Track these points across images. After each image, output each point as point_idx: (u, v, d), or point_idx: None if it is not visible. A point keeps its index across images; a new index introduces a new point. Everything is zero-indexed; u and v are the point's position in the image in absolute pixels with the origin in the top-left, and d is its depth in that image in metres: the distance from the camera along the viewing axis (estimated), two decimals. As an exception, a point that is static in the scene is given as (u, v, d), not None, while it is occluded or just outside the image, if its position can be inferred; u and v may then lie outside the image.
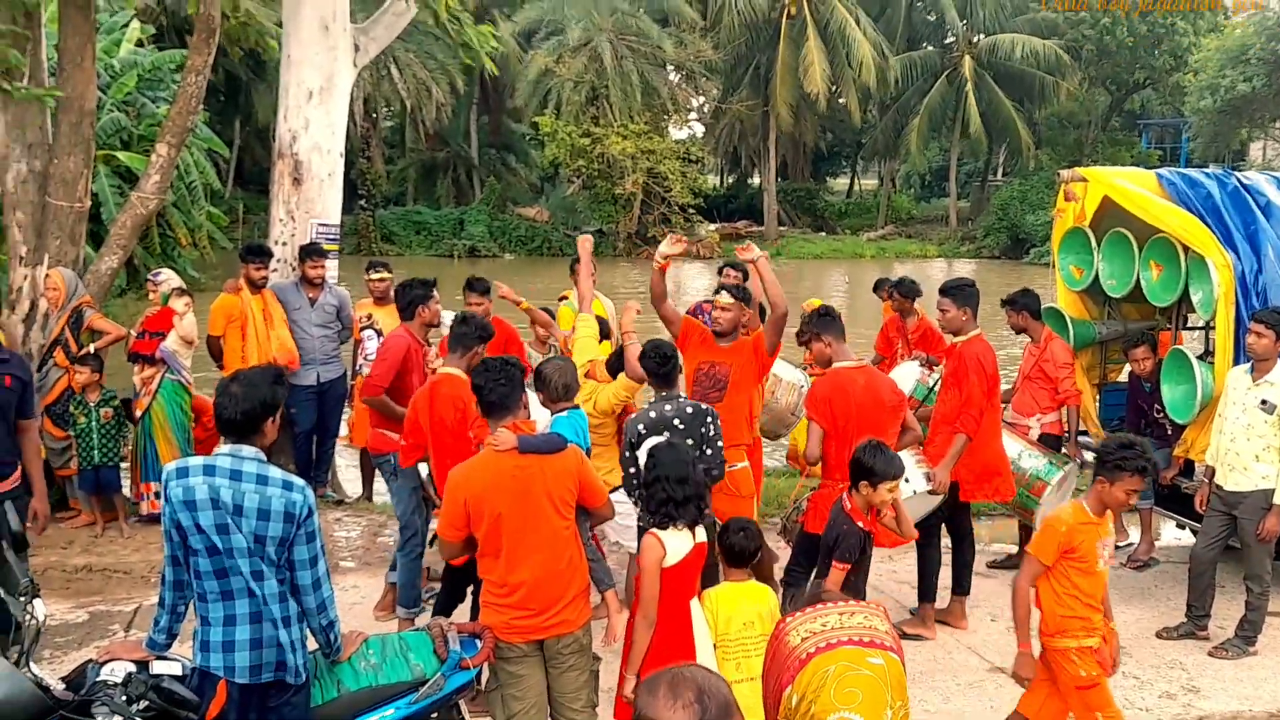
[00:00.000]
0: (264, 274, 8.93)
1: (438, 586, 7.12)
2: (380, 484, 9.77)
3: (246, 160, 44.09)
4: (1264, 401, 6.64)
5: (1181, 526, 8.63)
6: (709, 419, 5.95)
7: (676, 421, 5.87)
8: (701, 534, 4.91)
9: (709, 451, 5.92)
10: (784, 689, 3.44)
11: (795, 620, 3.58)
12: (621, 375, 6.73)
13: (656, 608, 4.70)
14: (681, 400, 5.98)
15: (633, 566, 6.48)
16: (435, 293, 7.16)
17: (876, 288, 10.39)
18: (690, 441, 5.82)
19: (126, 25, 22.11)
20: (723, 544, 5.05)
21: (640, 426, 5.88)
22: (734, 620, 4.91)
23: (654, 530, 4.78)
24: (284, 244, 9.56)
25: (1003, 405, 8.17)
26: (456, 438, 5.94)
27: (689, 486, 4.81)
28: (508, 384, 4.72)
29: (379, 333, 8.91)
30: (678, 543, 4.76)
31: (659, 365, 6.04)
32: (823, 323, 6.29)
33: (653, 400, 6.06)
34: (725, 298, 6.77)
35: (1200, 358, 7.87)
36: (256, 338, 8.76)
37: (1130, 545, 8.42)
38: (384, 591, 7.24)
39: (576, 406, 5.79)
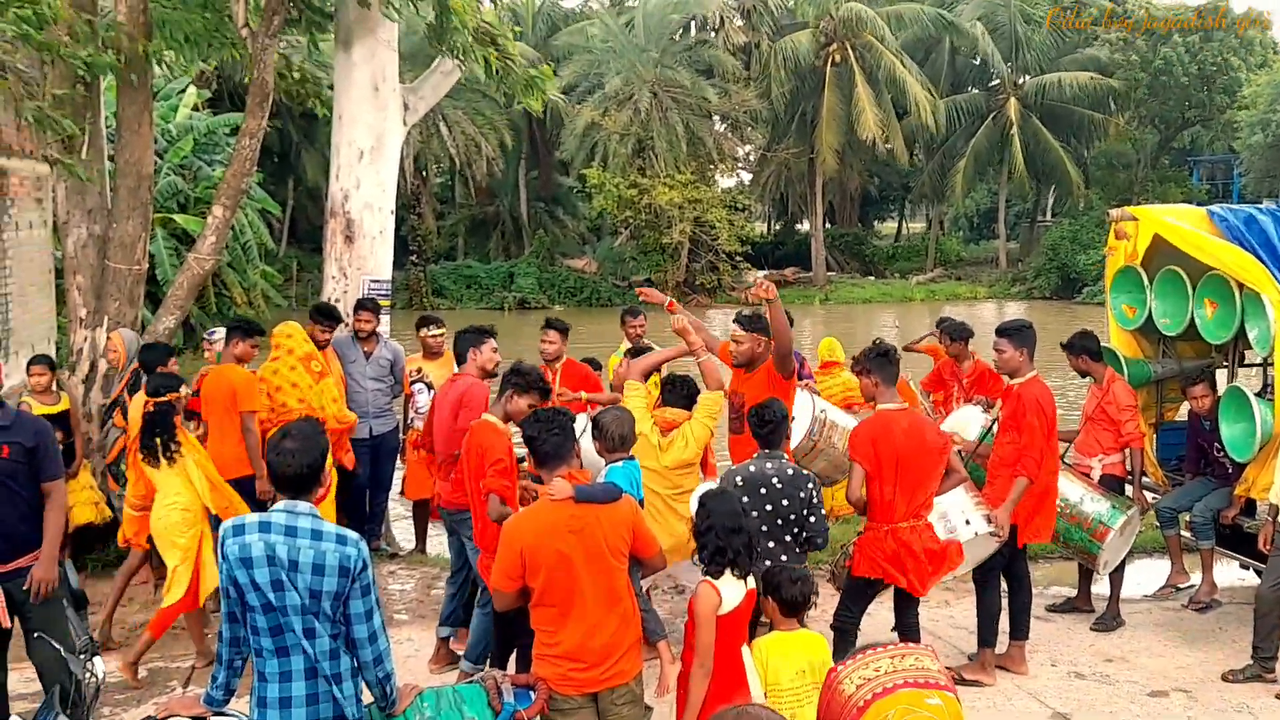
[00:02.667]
0: (328, 336, 8.98)
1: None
2: (434, 537, 9.84)
3: (300, 219, 44.78)
4: (1327, 437, 6.54)
5: (1245, 567, 8.45)
6: (810, 485, 5.93)
7: (775, 481, 5.87)
8: (753, 582, 4.90)
9: (811, 519, 5.90)
10: None
11: (847, 668, 3.57)
12: (701, 398, 6.66)
13: (713, 656, 4.68)
14: (784, 461, 5.97)
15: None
16: (490, 339, 7.17)
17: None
18: (787, 503, 5.82)
19: (183, 91, 22.64)
20: (778, 593, 5.02)
21: (738, 479, 5.88)
22: (784, 669, 4.87)
23: (708, 578, 4.77)
24: (337, 301, 9.68)
25: (1064, 446, 8.12)
26: (478, 485, 5.98)
27: (742, 535, 4.80)
28: (560, 433, 4.75)
29: (430, 386, 8.98)
30: (732, 591, 4.75)
31: (759, 426, 6.02)
32: (876, 362, 6.27)
33: (755, 456, 6.04)
34: (738, 330, 6.89)
35: (1258, 394, 7.75)
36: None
37: (1191, 587, 8.26)
38: (436, 645, 7.24)
39: (632, 457, 5.80)
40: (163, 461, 7.10)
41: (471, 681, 4.73)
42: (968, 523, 6.66)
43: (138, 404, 7.43)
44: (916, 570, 6.10)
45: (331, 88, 10.32)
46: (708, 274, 42.42)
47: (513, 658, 6.12)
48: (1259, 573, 7.75)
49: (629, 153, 40.90)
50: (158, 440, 7.09)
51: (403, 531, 10.37)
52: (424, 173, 42.32)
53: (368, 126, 9.72)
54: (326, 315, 9.06)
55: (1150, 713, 6.65)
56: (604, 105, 41.18)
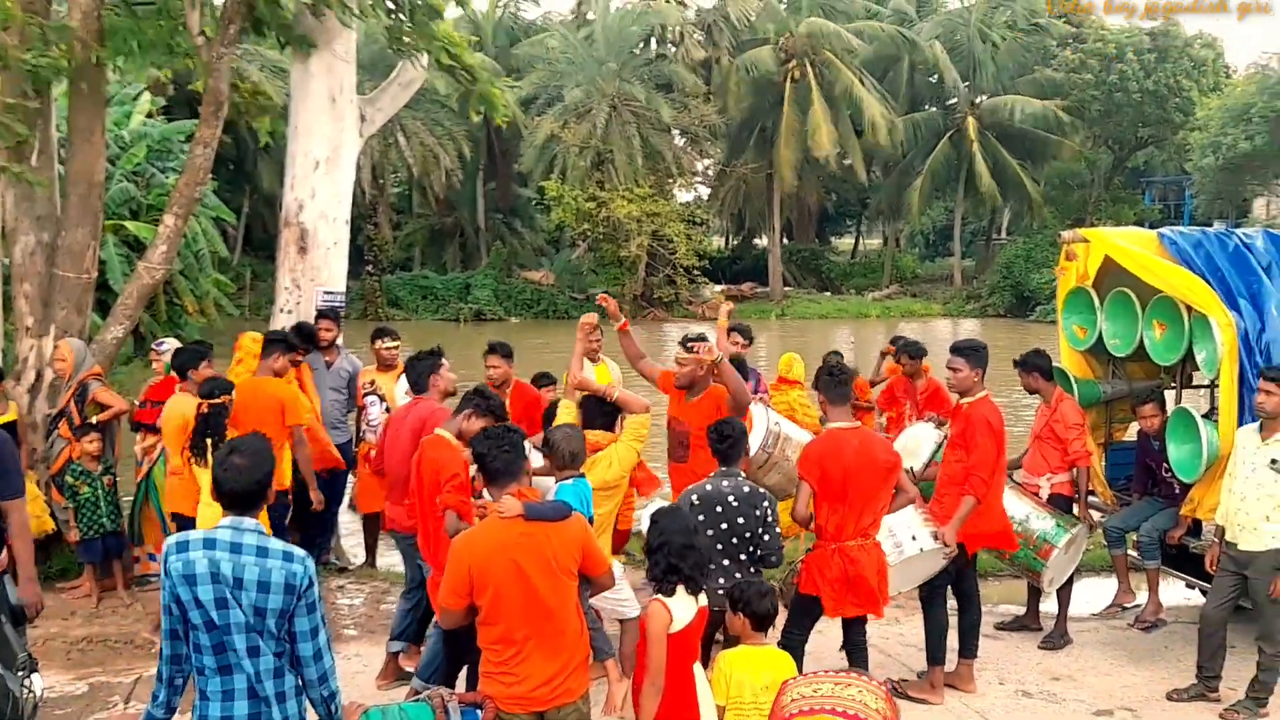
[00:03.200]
0: (301, 357, 8.67)
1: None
2: (384, 551, 9.76)
3: (255, 227, 44.45)
4: (1274, 461, 6.60)
5: (1191, 586, 8.54)
6: (766, 503, 5.94)
7: (731, 499, 5.88)
8: (704, 599, 4.90)
9: (766, 536, 5.91)
10: None
11: (795, 682, 3.60)
12: (628, 421, 6.56)
13: (664, 674, 4.67)
14: (740, 479, 5.98)
15: (627, 633, 6.46)
16: (444, 360, 7.14)
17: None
18: (743, 521, 5.83)
19: (138, 97, 22.41)
20: (748, 608, 5.04)
21: (693, 498, 5.89)
22: (748, 684, 4.88)
23: (659, 597, 4.76)
24: (290, 312, 9.59)
25: (1015, 466, 8.18)
26: (433, 502, 5.93)
27: (694, 553, 4.81)
28: (511, 451, 4.73)
29: (382, 398, 8.94)
30: (682, 609, 4.74)
31: (719, 441, 6.03)
32: (825, 381, 6.30)
33: (713, 474, 6.05)
34: (681, 353, 6.95)
35: (1205, 416, 7.84)
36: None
37: (1138, 606, 8.34)
38: (385, 661, 7.17)
39: (582, 475, 5.78)
40: (210, 462, 7.12)
41: (418, 699, 4.69)
42: (914, 538, 6.68)
43: (182, 404, 7.64)
44: (854, 588, 6.11)
45: (288, 95, 10.24)
46: (665, 288, 42.52)
47: (462, 675, 6.07)
48: (1204, 593, 7.83)
49: (588, 165, 40.98)
50: (208, 441, 7.22)
51: (353, 545, 10.28)
52: (381, 182, 42.16)
53: (324, 137, 9.65)
54: (307, 338, 8.87)
55: (1096, 731, 6.70)
56: (563, 118, 41.25)
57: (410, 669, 6.96)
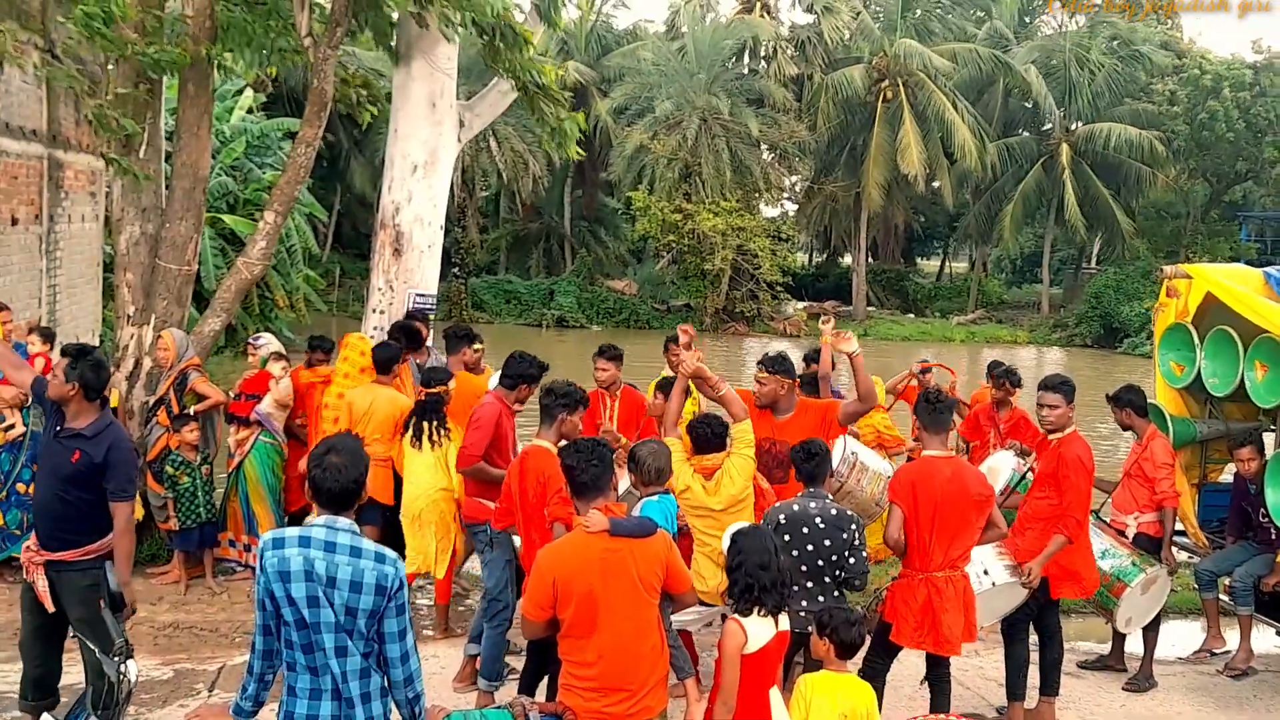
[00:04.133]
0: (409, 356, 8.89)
1: (514, 662, 7.13)
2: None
3: (345, 225, 45.16)
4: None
5: (1282, 635, 8.35)
6: (854, 525, 5.91)
7: (818, 520, 5.85)
8: (785, 622, 4.86)
9: (852, 560, 5.88)
10: None
11: None
12: (733, 431, 6.52)
13: (736, 695, 4.64)
14: (827, 501, 5.95)
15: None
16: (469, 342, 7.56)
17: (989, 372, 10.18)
18: (829, 543, 5.80)
19: (239, 93, 22.88)
20: (834, 635, 5.02)
21: (780, 517, 5.87)
22: (827, 711, 4.85)
23: (735, 616, 4.74)
24: (382, 313, 9.73)
25: (1102, 497, 8.03)
26: (538, 512, 5.98)
27: (770, 573, 4.77)
28: (599, 465, 4.74)
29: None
30: (759, 629, 4.71)
31: (805, 460, 6.01)
32: (923, 409, 6.23)
33: (800, 494, 6.03)
34: (761, 372, 6.96)
35: (1305, 461, 7.65)
36: None
37: (1228, 652, 8.13)
38: (463, 663, 7.22)
39: (668, 491, 5.78)
40: (425, 445, 7.69)
41: (500, 707, 4.73)
42: (986, 573, 6.58)
43: (391, 397, 8.16)
44: (942, 625, 6.01)
45: (389, 95, 10.38)
46: (747, 302, 42.34)
47: (543, 684, 6.09)
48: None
49: (675, 177, 40.97)
50: (427, 425, 7.70)
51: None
52: (471, 186, 42.54)
53: (422, 141, 9.78)
54: (412, 337, 8.98)
55: (1179, 779, 6.55)
56: (653, 129, 41.29)
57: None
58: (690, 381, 6.70)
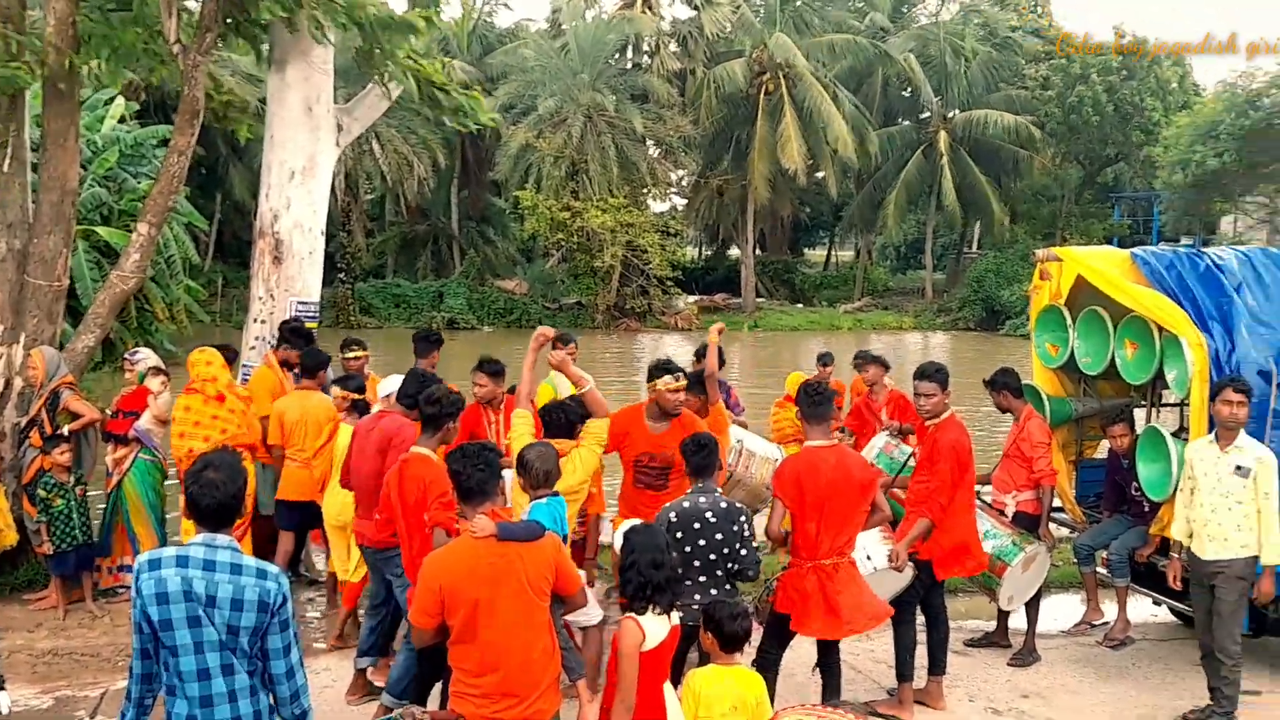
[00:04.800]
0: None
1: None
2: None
3: (226, 233, 44.22)
4: (1238, 467, 6.67)
5: (1157, 603, 8.61)
6: (742, 517, 5.95)
7: (709, 515, 5.87)
8: (676, 617, 4.90)
9: (743, 551, 5.92)
10: None
11: (784, 712, 3.61)
12: (588, 425, 6.52)
13: (635, 693, 4.66)
14: (717, 495, 5.98)
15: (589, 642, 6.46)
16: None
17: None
18: (720, 537, 5.84)
19: (110, 101, 22.22)
20: (719, 629, 5.04)
21: (672, 515, 5.88)
22: (716, 704, 4.88)
23: (632, 615, 4.76)
24: (263, 322, 9.56)
25: (985, 481, 8.21)
26: (419, 519, 5.90)
27: (663, 570, 4.80)
28: (486, 469, 4.72)
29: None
30: (655, 627, 4.74)
31: (694, 453, 6.03)
32: (803, 400, 6.32)
33: (690, 490, 6.05)
34: (672, 381, 7.04)
35: (1174, 435, 7.91)
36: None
37: (1106, 623, 8.39)
38: (354, 676, 7.12)
39: (556, 493, 5.77)
40: None
41: (390, 717, 4.68)
42: (868, 558, 6.70)
43: (320, 402, 8.21)
44: (836, 610, 6.11)
45: (263, 103, 10.20)
46: (639, 298, 42.53)
47: (435, 692, 6.05)
48: (1173, 610, 7.90)
49: (562, 175, 40.96)
50: None
51: (322, 558, 10.21)
52: (355, 190, 42.00)
53: (300, 147, 9.63)
54: (305, 337, 8.89)
55: (1065, 749, 6.75)
56: (538, 127, 41.21)
57: (380, 684, 6.93)
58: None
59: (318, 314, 9.99)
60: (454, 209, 47.61)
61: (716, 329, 8.03)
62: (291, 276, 9.70)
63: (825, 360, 10.46)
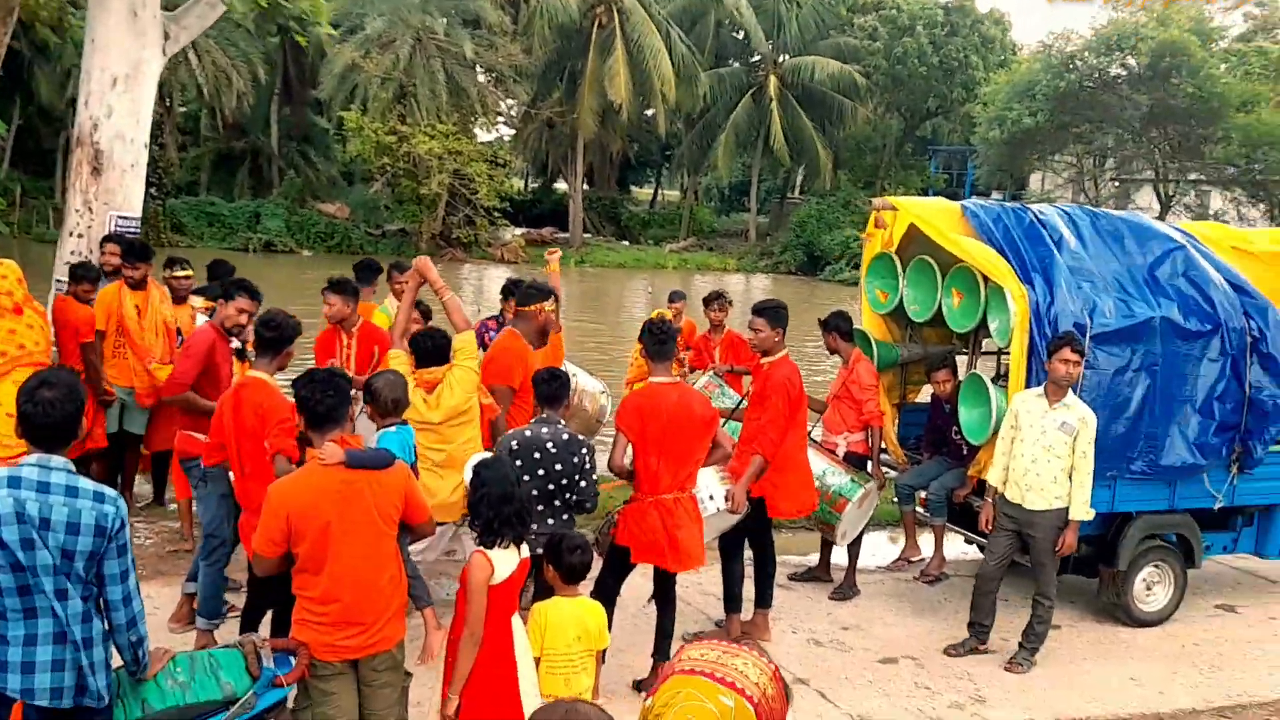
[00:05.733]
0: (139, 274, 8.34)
1: (232, 599, 6.94)
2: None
3: (26, 140, 41.68)
4: (1063, 424, 7.02)
5: (969, 542, 9.04)
6: (584, 450, 5.96)
7: (550, 445, 5.87)
8: (525, 550, 4.91)
9: (583, 483, 5.94)
10: (647, 697, 3.54)
11: (690, 647, 3.68)
12: (455, 342, 6.55)
13: (483, 626, 4.66)
14: (560, 426, 5.97)
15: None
16: (242, 296, 6.86)
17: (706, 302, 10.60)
18: (560, 467, 5.85)
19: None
20: (559, 561, 5.05)
21: (513, 443, 5.86)
22: (561, 635, 4.94)
23: (481, 548, 4.75)
24: (80, 236, 9.10)
25: (815, 419, 8.44)
26: (256, 445, 5.76)
27: (513, 503, 4.80)
28: (335, 396, 4.62)
29: (178, 332, 8.57)
30: (504, 560, 4.74)
31: (546, 382, 6.02)
32: (647, 338, 6.37)
33: (533, 419, 6.02)
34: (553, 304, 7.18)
35: (993, 381, 8.26)
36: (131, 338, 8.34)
37: (923, 560, 8.76)
38: (180, 603, 6.95)
39: (405, 422, 5.70)
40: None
41: (228, 646, 4.58)
42: (710, 498, 6.81)
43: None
44: (675, 543, 6.22)
45: (77, 4, 9.62)
46: (465, 228, 41.93)
47: (266, 620, 5.94)
48: (983, 549, 8.29)
49: (390, 98, 39.93)
50: None
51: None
52: (169, 101, 40.08)
53: (124, 53, 9.13)
54: (140, 254, 8.42)
55: (882, 678, 7.07)
56: (365, 47, 40.02)
57: (207, 612, 6.79)
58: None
59: (139, 229, 9.55)
60: (274, 127, 45.91)
61: (554, 256, 8.05)
62: (111, 189, 9.23)
63: (675, 298, 10.56)
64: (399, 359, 6.49)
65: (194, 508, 7.59)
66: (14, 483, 3.73)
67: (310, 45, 38.98)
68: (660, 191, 67.51)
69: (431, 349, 6.47)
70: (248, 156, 46.00)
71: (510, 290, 8.49)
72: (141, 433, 8.75)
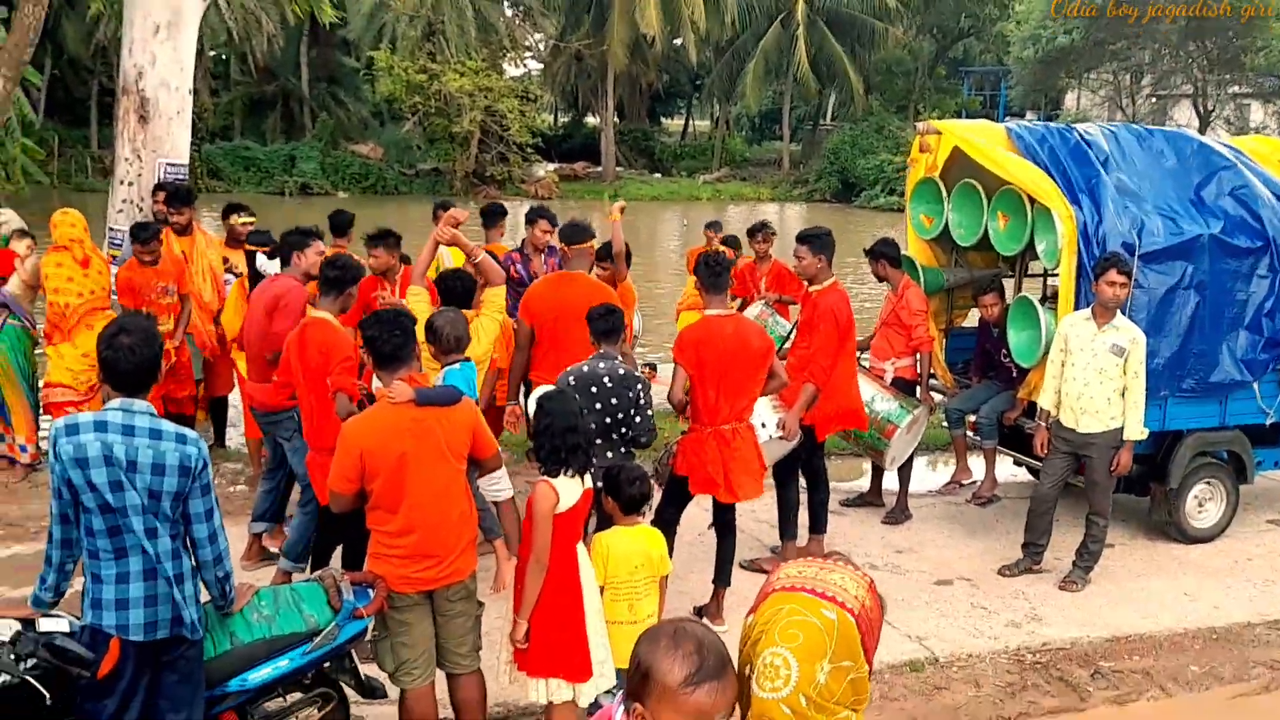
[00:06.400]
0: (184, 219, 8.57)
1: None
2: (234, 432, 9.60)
3: (58, 90, 41.82)
4: (1114, 345, 7.03)
5: (1019, 464, 9.09)
6: (639, 386, 6.03)
7: (606, 380, 5.94)
8: (589, 480, 5.01)
9: (638, 418, 6.02)
10: (749, 615, 3.60)
11: (787, 565, 3.76)
12: (486, 294, 6.65)
13: (549, 554, 4.78)
14: (616, 362, 6.03)
15: (503, 516, 6.56)
16: (316, 241, 6.97)
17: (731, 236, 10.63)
18: (616, 401, 5.92)
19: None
20: (617, 493, 5.14)
21: (570, 379, 5.94)
22: (624, 563, 5.04)
23: (545, 478, 4.85)
24: (130, 184, 9.22)
25: (862, 351, 8.47)
26: (321, 384, 5.87)
27: (577, 434, 4.88)
28: (402, 335, 4.71)
29: (238, 275, 8.69)
30: (569, 490, 4.84)
31: (600, 317, 6.08)
32: (702, 270, 6.40)
33: (592, 356, 6.09)
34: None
35: (1040, 303, 8.25)
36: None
37: (974, 482, 8.82)
38: (249, 541, 7.12)
39: (468, 359, 5.78)
40: None
41: (309, 579, 4.72)
42: (764, 426, 6.88)
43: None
44: (732, 474, 6.31)
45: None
46: (498, 165, 41.85)
47: (336, 555, 6.10)
48: (1032, 471, 8.35)
49: (418, 36, 39.78)
50: None
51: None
52: (199, 46, 40.01)
53: (164, 1, 9.16)
54: (184, 199, 8.67)
55: (938, 599, 7.16)
56: (393, -15, 39.80)
57: (274, 549, 6.97)
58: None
59: (186, 176, 9.65)
60: (304, 69, 45.85)
61: (618, 207, 8.12)
62: (159, 137, 9.33)
63: (716, 227, 10.61)
64: (420, 296, 6.52)
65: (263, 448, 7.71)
66: (100, 427, 3.85)
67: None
68: (691, 122, 66.97)
69: (460, 290, 6.54)
70: (279, 100, 46.02)
71: (534, 217, 8.74)
72: (199, 378, 8.92)
